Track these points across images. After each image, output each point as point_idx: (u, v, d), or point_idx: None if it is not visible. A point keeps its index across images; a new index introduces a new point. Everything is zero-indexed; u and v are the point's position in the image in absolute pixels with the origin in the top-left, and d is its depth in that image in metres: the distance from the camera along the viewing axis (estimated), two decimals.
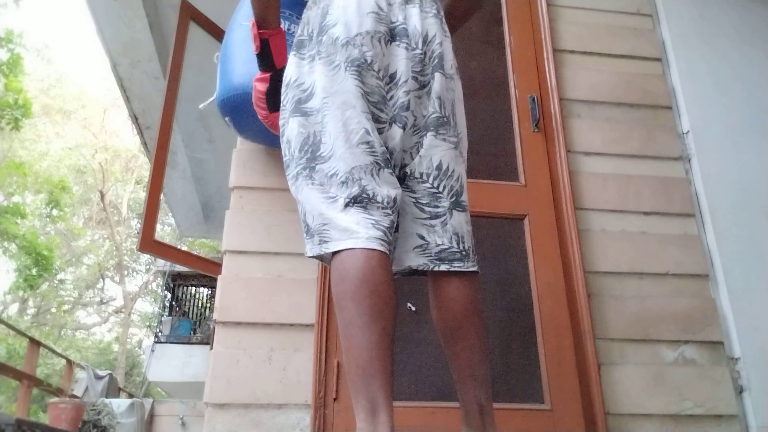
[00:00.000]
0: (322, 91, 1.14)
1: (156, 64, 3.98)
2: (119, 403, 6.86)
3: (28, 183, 14.54)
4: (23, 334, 7.05)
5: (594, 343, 1.81)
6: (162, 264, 12.22)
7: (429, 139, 1.19)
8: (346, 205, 1.07)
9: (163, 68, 3.79)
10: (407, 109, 1.17)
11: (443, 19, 1.29)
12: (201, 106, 2.13)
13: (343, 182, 1.09)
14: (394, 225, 1.11)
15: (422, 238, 1.18)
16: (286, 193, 1.22)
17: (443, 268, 1.16)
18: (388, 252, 1.05)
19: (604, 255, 1.97)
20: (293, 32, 1.65)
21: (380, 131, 1.16)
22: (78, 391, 7.14)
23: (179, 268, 10.03)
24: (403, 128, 1.17)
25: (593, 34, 2.33)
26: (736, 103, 2.26)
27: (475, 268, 1.19)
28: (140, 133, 4.80)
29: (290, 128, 1.17)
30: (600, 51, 2.30)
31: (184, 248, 10.06)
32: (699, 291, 1.97)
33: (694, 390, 1.82)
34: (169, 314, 10.26)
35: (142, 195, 15.93)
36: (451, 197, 1.20)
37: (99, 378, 7.69)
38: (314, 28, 1.21)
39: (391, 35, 1.20)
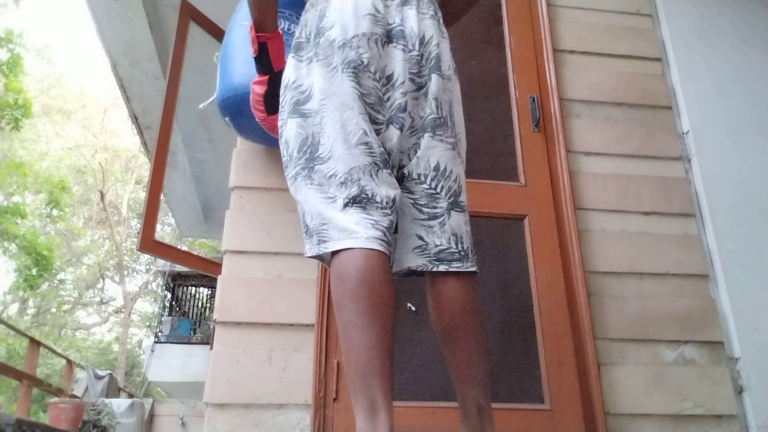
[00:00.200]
0: (320, 93, 1.15)
1: (156, 64, 3.98)
2: (119, 403, 6.86)
3: (28, 183, 14.54)
4: (23, 334, 7.05)
5: (594, 343, 1.81)
6: (162, 264, 12.22)
7: (426, 140, 1.19)
8: (345, 205, 1.07)
9: (163, 68, 3.79)
10: (404, 110, 1.17)
11: (441, 20, 1.29)
12: (201, 106, 2.13)
13: (342, 183, 1.09)
14: (394, 225, 1.11)
15: (421, 238, 1.18)
16: (286, 193, 1.22)
17: (442, 268, 1.16)
18: (387, 252, 1.06)
19: (603, 255, 1.97)
20: (293, 32, 1.65)
21: (377, 132, 1.16)
22: (78, 391, 7.14)
23: (179, 268, 10.03)
24: (401, 129, 1.17)
25: (593, 34, 2.33)
26: (736, 103, 2.26)
27: (474, 269, 1.19)
28: (140, 133, 4.80)
29: (288, 129, 1.18)
30: (600, 51, 2.30)
31: (184, 248, 10.06)
32: (699, 291, 1.97)
33: (694, 390, 1.82)
34: (169, 314, 10.27)
35: (142, 195, 15.93)
36: (449, 198, 1.20)
37: (99, 378, 7.69)
38: (312, 31, 1.22)
39: (388, 37, 1.20)
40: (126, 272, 18.28)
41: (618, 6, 2.39)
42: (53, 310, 17.83)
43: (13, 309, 17.01)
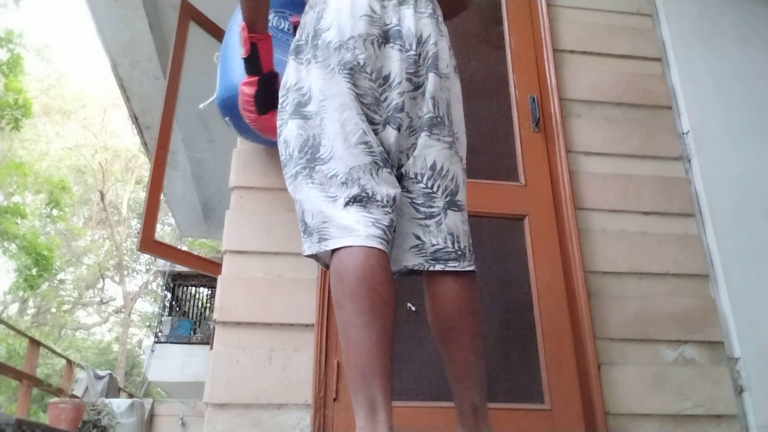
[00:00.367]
0: (319, 94, 1.15)
1: (156, 64, 3.98)
2: (119, 403, 6.86)
3: (28, 183, 14.54)
4: (23, 334, 7.05)
5: (594, 343, 1.81)
6: (162, 264, 12.23)
7: (423, 139, 1.19)
8: (346, 204, 1.08)
9: (163, 68, 3.79)
10: (401, 110, 1.17)
11: (440, 18, 1.29)
12: (201, 106, 2.13)
13: (343, 183, 1.09)
14: (394, 224, 1.11)
15: (418, 238, 1.18)
16: (286, 193, 1.22)
17: (438, 267, 1.16)
18: (387, 251, 1.06)
19: (604, 255, 1.97)
20: (289, 30, 1.65)
21: (375, 132, 1.16)
22: (78, 391, 7.14)
23: (179, 268, 10.03)
24: (398, 129, 1.17)
25: (593, 34, 2.33)
26: (736, 103, 2.26)
27: (471, 268, 1.18)
28: (140, 133, 4.80)
29: (288, 129, 1.18)
30: (600, 51, 2.30)
31: (184, 248, 10.06)
32: (699, 291, 1.97)
33: (694, 390, 1.82)
34: (169, 314, 10.27)
35: (142, 195, 15.93)
36: (446, 197, 1.20)
37: (99, 378, 7.69)
38: (310, 32, 1.22)
39: (385, 37, 1.20)
40: (126, 272, 18.28)
41: (618, 6, 2.39)
42: (53, 310, 17.83)
43: (13, 309, 17.02)
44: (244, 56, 1.30)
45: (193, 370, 8.45)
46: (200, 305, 10.98)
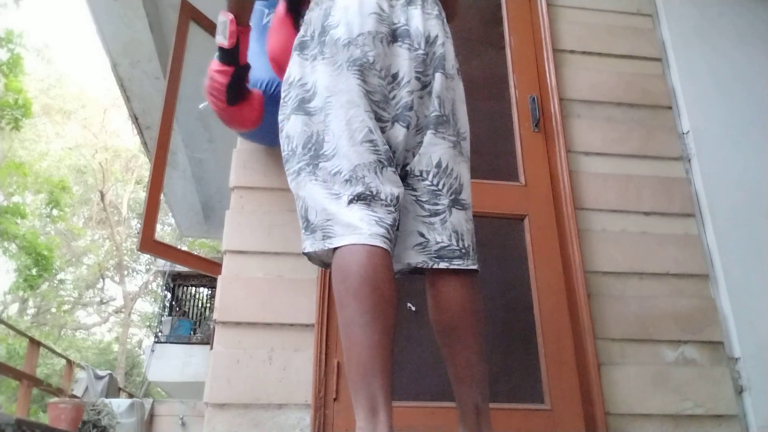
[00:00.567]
0: (325, 91, 1.15)
1: (156, 64, 3.98)
2: (119, 403, 6.86)
3: (28, 183, 14.54)
4: (23, 334, 7.04)
5: (594, 343, 1.81)
6: (162, 264, 12.22)
7: (428, 137, 1.20)
8: (350, 202, 1.08)
9: (163, 68, 3.79)
10: (411, 109, 1.18)
11: (445, 20, 1.30)
12: (201, 106, 2.12)
13: (347, 180, 1.09)
14: (397, 223, 1.12)
15: (422, 235, 1.18)
16: (287, 193, 1.22)
17: (442, 265, 1.16)
18: (390, 250, 1.06)
19: (604, 255, 1.97)
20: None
21: (382, 130, 1.16)
22: (78, 391, 7.14)
23: (179, 268, 10.03)
24: (407, 128, 1.18)
25: (593, 34, 2.33)
26: (736, 103, 2.26)
27: (474, 266, 1.19)
28: (140, 133, 4.80)
29: (291, 125, 1.18)
30: (600, 51, 2.30)
31: (184, 248, 10.05)
32: (699, 291, 1.97)
33: (694, 390, 1.82)
34: (169, 314, 10.26)
35: (142, 195, 15.93)
36: (450, 195, 1.20)
37: (99, 378, 7.69)
38: (316, 29, 1.22)
39: (393, 36, 1.20)
40: (126, 272, 18.28)
41: (618, 6, 2.39)
42: (53, 310, 17.82)
43: (13, 309, 17.01)
44: (228, 47, 1.30)
45: (193, 370, 8.46)
46: (200, 305, 10.97)
